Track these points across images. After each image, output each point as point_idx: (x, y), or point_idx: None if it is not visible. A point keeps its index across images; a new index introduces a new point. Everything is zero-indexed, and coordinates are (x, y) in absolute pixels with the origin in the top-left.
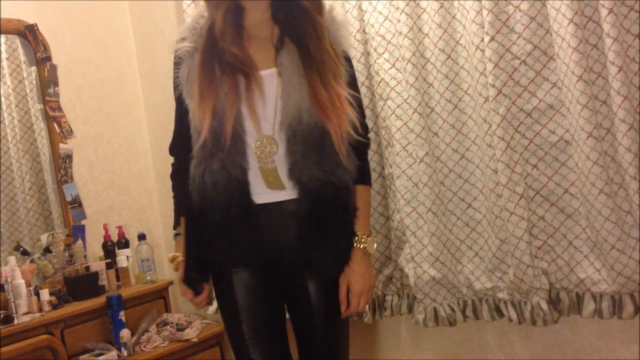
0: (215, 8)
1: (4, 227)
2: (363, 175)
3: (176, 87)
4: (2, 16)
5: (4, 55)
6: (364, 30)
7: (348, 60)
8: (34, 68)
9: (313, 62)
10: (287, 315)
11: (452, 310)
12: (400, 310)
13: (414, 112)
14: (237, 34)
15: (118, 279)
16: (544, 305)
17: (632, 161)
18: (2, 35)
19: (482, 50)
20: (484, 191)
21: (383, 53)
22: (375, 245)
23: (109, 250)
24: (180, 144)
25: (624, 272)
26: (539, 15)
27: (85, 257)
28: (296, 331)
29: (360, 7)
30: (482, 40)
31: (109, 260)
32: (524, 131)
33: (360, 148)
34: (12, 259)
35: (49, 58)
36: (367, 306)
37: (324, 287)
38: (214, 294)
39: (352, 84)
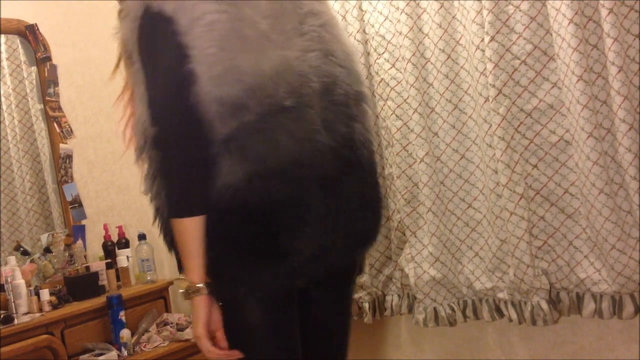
0: None
1: (4, 227)
2: None
3: None
4: (2, 16)
5: (4, 55)
6: (364, 30)
7: None
8: (34, 68)
9: None
10: None
11: (452, 310)
12: (400, 310)
13: (414, 112)
14: None
15: (118, 279)
16: (544, 305)
17: (632, 161)
18: (2, 35)
19: (482, 50)
20: (484, 191)
21: (383, 53)
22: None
23: (109, 250)
24: None
25: (624, 272)
26: (539, 15)
27: (85, 257)
28: None
29: (360, 7)
30: (482, 40)
31: (109, 260)
32: (524, 131)
33: None
34: (12, 259)
35: (49, 58)
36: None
37: None
38: None
39: None
